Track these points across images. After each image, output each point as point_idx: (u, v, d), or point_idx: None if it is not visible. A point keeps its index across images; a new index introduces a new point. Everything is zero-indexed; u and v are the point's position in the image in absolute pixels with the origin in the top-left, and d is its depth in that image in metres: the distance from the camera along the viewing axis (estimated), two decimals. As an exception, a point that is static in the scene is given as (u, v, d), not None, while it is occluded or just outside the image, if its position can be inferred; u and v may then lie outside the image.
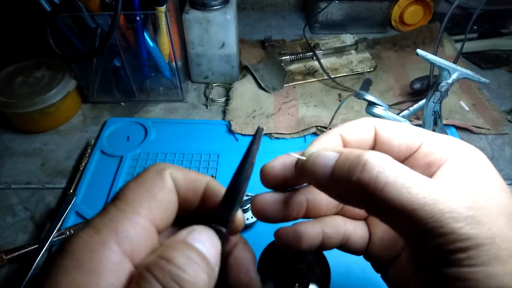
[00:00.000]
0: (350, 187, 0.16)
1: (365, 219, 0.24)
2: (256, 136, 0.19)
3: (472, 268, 0.14)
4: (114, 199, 0.16)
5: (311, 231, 0.22)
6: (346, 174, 0.16)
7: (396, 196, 0.15)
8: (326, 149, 0.18)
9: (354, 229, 0.23)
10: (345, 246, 0.23)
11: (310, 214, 0.22)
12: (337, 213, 0.23)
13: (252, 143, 0.19)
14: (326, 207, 0.23)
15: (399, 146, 0.19)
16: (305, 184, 0.22)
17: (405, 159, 0.20)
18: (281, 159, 0.21)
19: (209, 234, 0.17)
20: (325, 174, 0.17)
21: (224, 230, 0.18)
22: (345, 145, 0.20)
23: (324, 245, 0.22)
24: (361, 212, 0.23)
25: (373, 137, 0.20)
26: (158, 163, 0.19)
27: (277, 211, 0.21)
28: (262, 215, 0.21)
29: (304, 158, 0.19)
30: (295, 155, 0.20)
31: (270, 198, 0.21)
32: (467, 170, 0.17)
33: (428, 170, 0.19)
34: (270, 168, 0.21)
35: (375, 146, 0.20)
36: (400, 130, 0.19)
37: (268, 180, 0.21)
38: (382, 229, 0.22)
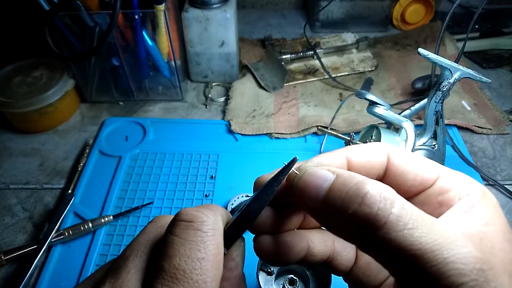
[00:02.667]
0: (344, 218, 0.15)
1: None
2: (286, 168, 0.18)
3: None
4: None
5: (296, 244, 0.20)
6: (341, 203, 0.15)
7: (396, 237, 0.13)
8: (324, 167, 0.17)
9: (343, 248, 0.21)
10: (329, 264, 0.21)
11: (302, 225, 0.21)
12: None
13: (280, 173, 0.18)
14: None
15: (413, 180, 0.17)
16: None
17: (416, 194, 0.18)
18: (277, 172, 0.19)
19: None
20: (317, 198, 0.15)
21: (225, 251, 0.18)
22: (350, 169, 0.18)
23: (306, 260, 0.20)
24: None
25: (384, 166, 0.18)
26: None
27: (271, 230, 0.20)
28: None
29: (298, 173, 0.17)
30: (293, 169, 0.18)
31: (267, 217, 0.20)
32: (477, 216, 0.16)
33: (439, 210, 0.17)
34: (264, 181, 0.19)
35: (386, 176, 0.18)
36: (416, 163, 0.18)
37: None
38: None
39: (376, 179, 0.18)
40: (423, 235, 0.13)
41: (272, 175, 0.18)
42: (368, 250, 0.15)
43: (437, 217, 0.17)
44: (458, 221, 0.16)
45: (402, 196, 0.18)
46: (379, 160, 0.18)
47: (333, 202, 0.15)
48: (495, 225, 0.15)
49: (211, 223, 0.17)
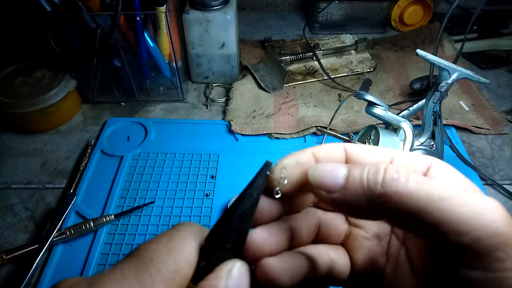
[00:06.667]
0: (369, 200, 0.16)
1: (342, 244, 0.22)
2: (262, 170, 0.18)
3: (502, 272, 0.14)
4: (135, 254, 0.16)
5: (296, 266, 0.19)
6: (365, 185, 0.16)
7: (428, 204, 0.15)
8: (301, 162, 0.18)
9: (337, 255, 0.21)
10: (330, 276, 0.21)
11: (293, 244, 0.21)
12: (313, 240, 0.21)
13: (257, 176, 0.18)
14: (306, 234, 0.21)
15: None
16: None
17: None
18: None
19: (245, 276, 0.16)
20: (336, 184, 0.16)
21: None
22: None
23: (307, 278, 0.20)
24: (338, 235, 0.22)
25: (344, 158, 0.19)
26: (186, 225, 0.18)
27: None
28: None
29: (275, 177, 0.18)
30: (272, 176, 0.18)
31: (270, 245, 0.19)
32: (452, 181, 0.17)
33: None
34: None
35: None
36: (369, 150, 0.19)
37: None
38: (363, 252, 0.21)
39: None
40: (453, 201, 0.14)
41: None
42: (397, 223, 0.16)
43: None
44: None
45: None
46: (339, 153, 0.19)
47: (355, 186, 0.16)
48: (470, 186, 0.17)
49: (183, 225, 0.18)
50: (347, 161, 0.19)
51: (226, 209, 0.17)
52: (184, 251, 0.16)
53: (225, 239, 0.17)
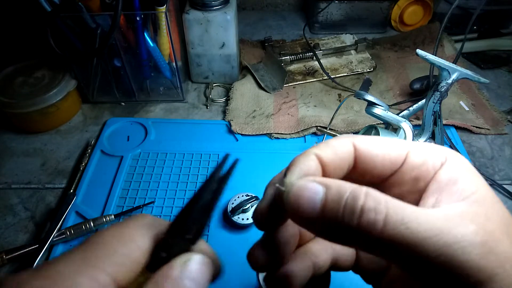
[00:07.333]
0: (344, 228, 0.15)
1: None
2: (221, 163, 0.18)
3: None
4: (85, 243, 0.16)
5: (302, 268, 0.19)
6: (340, 216, 0.15)
7: (397, 234, 0.14)
8: (308, 175, 0.16)
9: (341, 247, 0.21)
10: (335, 267, 0.21)
11: (300, 242, 0.21)
12: None
13: (216, 169, 0.18)
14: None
15: (382, 162, 0.18)
16: None
17: (391, 175, 0.18)
18: (268, 195, 0.19)
19: (202, 269, 0.16)
20: (312, 213, 0.15)
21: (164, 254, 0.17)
22: (323, 167, 0.18)
23: (315, 275, 0.20)
24: None
25: (353, 155, 0.18)
26: (143, 215, 0.18)
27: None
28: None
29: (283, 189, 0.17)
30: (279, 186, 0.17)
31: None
32: (462, 187, 0.16)
33: (416, 185, 0.18)
34: (260, 212, 0.19)
35: (356, 164, 0.18)
36: (381, 145, 0.18)
37: (261, 225, 0.19)
38: None
39: (348, 169, 0.18)
40: (419, 224, 0.14)
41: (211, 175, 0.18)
42: (372, 252, 0.15)
43: (418, 194, 0.17)
44: (444, 195, 0.16)
45: (376, 179, 0.18)
46: (346, 151, 0.18)
47: (330, 215, 0.15)
48: (479, 189, 0.16)
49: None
50: (356, 159, 0.18)
51: (188, 202, 0.18)
52: (136, 238, 0.17)
53: (185, 230, 0.17)
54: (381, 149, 0.18)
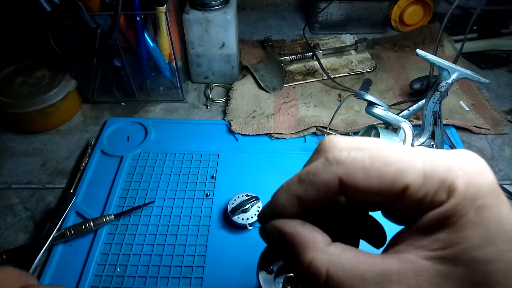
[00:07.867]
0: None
1: None
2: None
3: None
4: None
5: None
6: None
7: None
8: (283, 217, 0.18)
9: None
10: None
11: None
12: None
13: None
14: None
15: (376, 196, 0.16)
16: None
17: (396, 200, 0.16)
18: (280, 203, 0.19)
19: None
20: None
21: None
22: (303, 206, 0.17)
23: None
24: None
25: (337, 189, 0.16)
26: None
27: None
28: None
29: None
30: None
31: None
32: (437, 242, 0.15)
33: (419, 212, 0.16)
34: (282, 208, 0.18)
35: (346, 193, 0.17)
36: (373, 178, 0.16)
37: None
38: None
39: (333, 198, 0.17)
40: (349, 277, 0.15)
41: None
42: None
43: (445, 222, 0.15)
44: (417, 248, 0.15)
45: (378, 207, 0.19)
46: (331, 189, 0.17)
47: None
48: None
49: None
50: (345, 191, 0.17)
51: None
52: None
53: None
54: (373, 183, 0.16)
